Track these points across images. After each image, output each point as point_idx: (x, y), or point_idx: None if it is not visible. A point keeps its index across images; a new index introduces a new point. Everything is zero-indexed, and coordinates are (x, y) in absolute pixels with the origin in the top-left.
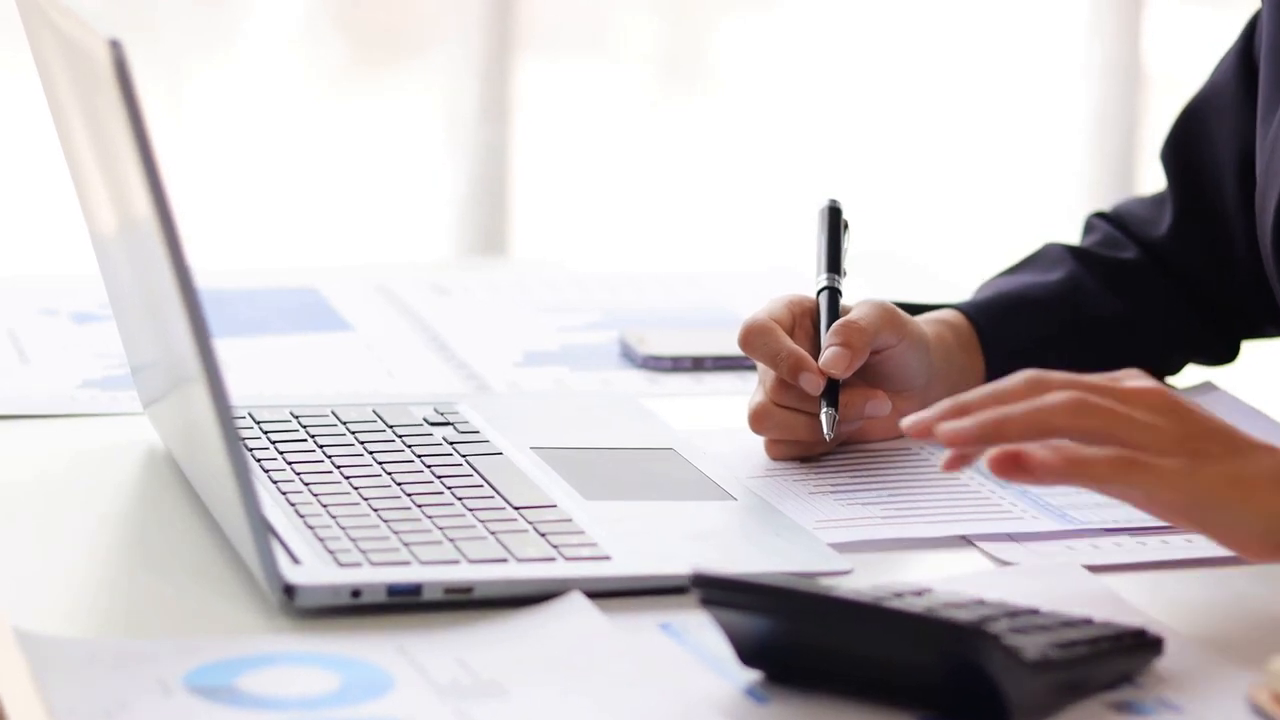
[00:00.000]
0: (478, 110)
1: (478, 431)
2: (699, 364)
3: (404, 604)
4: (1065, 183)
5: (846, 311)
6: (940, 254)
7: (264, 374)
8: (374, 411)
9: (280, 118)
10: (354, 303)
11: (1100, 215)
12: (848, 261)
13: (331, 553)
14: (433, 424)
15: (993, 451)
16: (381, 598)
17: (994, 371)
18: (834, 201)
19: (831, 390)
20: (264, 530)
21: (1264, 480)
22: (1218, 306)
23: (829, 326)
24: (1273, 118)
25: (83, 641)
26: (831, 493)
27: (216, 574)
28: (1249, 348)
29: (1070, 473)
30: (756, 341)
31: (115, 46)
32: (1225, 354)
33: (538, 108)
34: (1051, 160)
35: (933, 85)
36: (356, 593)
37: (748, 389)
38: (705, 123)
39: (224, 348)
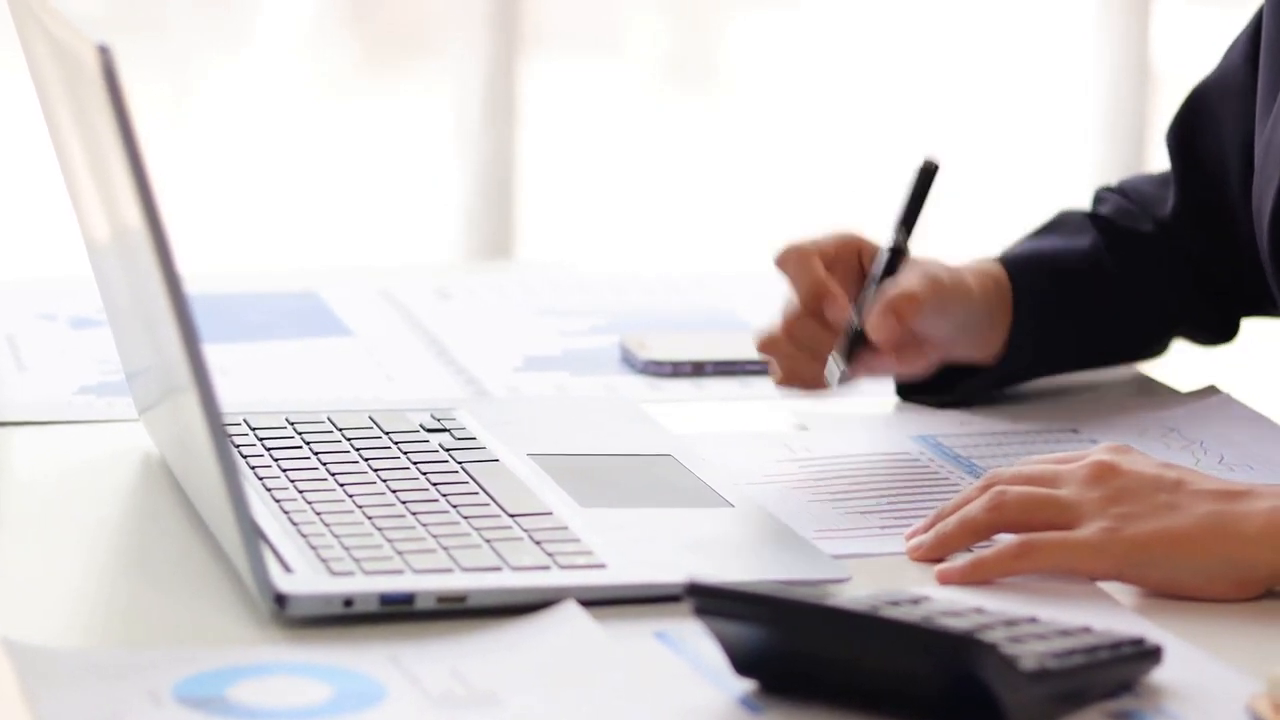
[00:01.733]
0: (484, 113)
1: (474, 438)
2: (699, 369)
3: (397, 613)
4: (1075, 182)
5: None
6: (950, 253)
7: (263, 379)
8: (371, 418)
9: (287, 120)
10: (355, 307)
11: (1109, 189)
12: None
13: (324, 561)
14: (429, 430)
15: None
16: (374, 607)
17: (1019, 330)
18: (931, 160)
19: (854, 340)
20: (255, 539)
21: (1197, 530)
22: (1219, 286)
23: (879, 281)
24: (1269, 112)
25: (72, 652)
26: (830, 500)
27: (209, 583)
28: (1250, 338)
29: (971, 576)
30: (791, 260)
31: (104, 52)
32: (1225, 333)
33: (544, 110)
34: (1061, 160)
35: (940, 86)
36: (349, 602)
37: (749, 394)
38: (713, 124)
39: (223, 352)
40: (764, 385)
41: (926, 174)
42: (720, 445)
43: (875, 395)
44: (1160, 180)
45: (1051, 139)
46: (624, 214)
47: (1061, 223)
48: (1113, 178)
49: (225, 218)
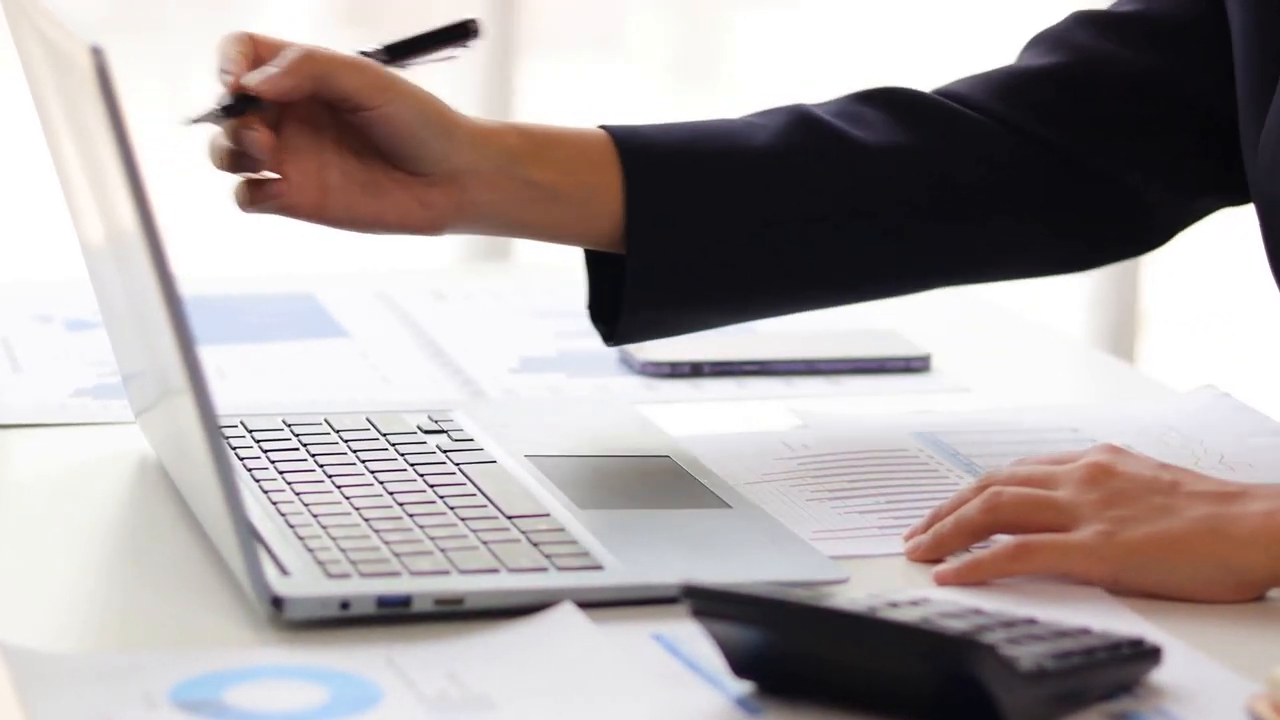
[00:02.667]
0: (482, 112)
1: (472, 440)
2: (697, 370)
3: (394, 615)
4: None
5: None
6: None
7: (259, 382)
8: (368, 420)
9: None
10: (351, 309)
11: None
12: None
13: (321, 564)
14: (427, 432)
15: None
16: (371, 609)
17: (635, 215)
18: (475, 24)
19: (236, 107)
20: (251, 542)
21: (1192, 534)
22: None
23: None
24: (1262, 112)
25: (67, 655)
26: (829, 500)
27: (206, 585)
28: (1250, 336)
29: (967, 577)
30: (227, 45)
31: (97, 53)
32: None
33: (541, 109)
34: None
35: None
36: (345, 604)
37: (746, 395)
38: None
39: (220, 355)
40: (762, 386)
41: (463, 31)
42: (718, 446)
43: (874, 395)
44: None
45: None
46: None
47: (769, 112)
48: None
49: (223, 220)
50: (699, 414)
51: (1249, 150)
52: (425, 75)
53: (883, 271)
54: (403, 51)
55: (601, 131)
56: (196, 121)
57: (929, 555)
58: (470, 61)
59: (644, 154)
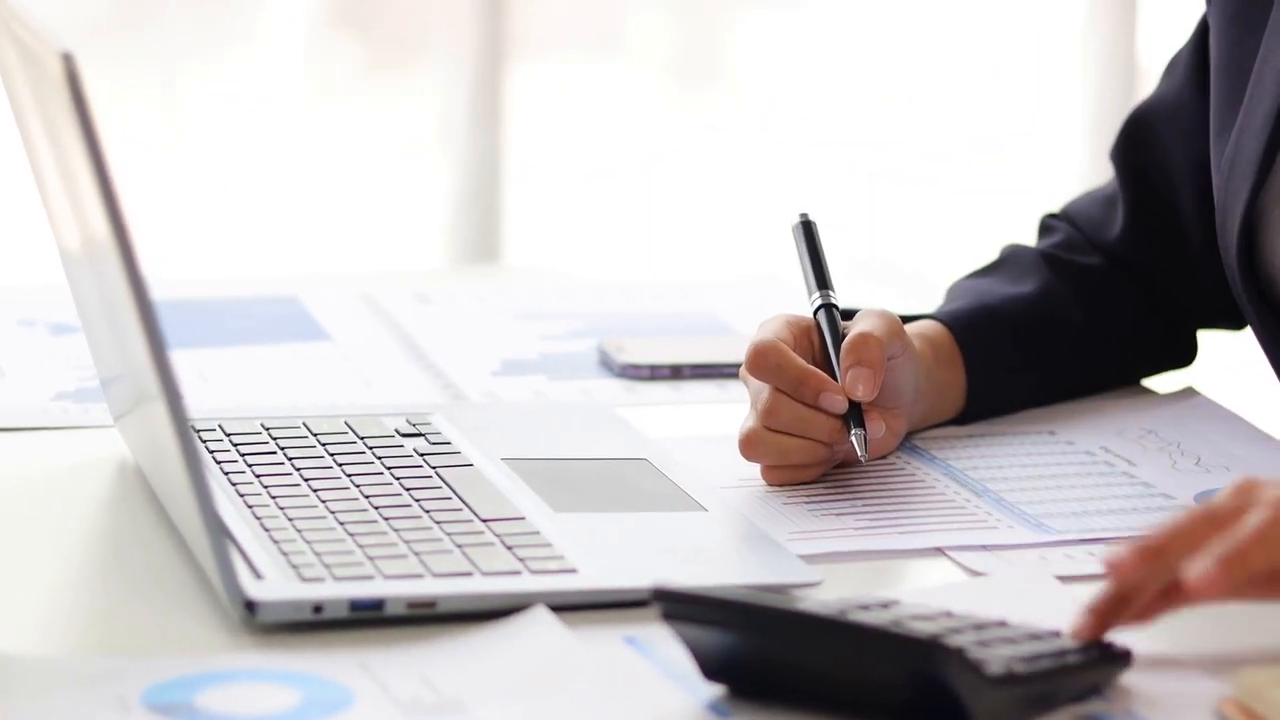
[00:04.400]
0: (471, 116)
1: (449, 443)
2: (677, 372)
3: (367, 619)
4: (1063, 177)
5: (847, 326)
6: (943, 253)
7: (240, 385)
8: (346, 423)
9: (274, 124)
10: (335, 312)
11: (1055, 216)
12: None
13: (295, 567)
14: (404, 435)
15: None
16: (344, 613)
17: (975, 388)
18: (805, 215)
19: (855, 410)
20: (224, 546)
21: None
22: (1173, 304)
23: (835, 344)
24: (1226, 135)
25: (41, 659)
26: (805, 503)
27: (181, 589)
28: (1220, 352)
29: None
30: (768, 364)
31: (67, 59)
32: (1185, 356)
33: (531, 113)
34: (1050, 156)
35: (936, 84)
36: (318, 608)
37: (726, 397)
38: (703, 126)
39: (202, 358)
40: (742, 388)
41: (808, 229)
42: (697, 448)
43: None
44: (1105, 200)
45: (1039, 135)
46: (612, 218)
47: (1007, 263)
48: (1102, 176)
49: (210, 222)
50: (679, 416)
51: (1215, 171)
52: (413, 79)
53: (1116, 374)
54: (821, 278)
55: (935, 323)
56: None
57: (1227, 574)
58: (462, 66)
59: (968, 329)
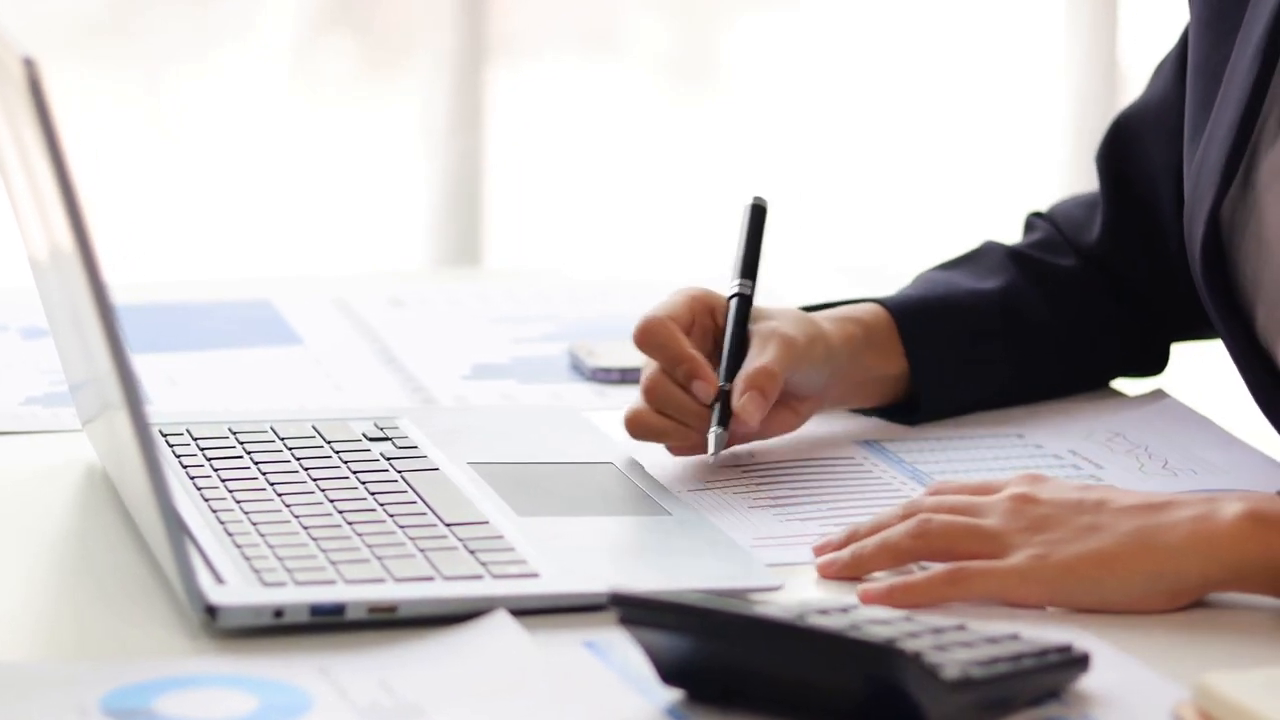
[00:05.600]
0: (453, 118)
1: (416, 447)
2: None
3: (328, 623)
4: (1045, 179)
5: (758, 317)
6: (931, 254)
7: (210, 389)
8: (313, 427)
9: (259, 126)
10: (308, 316)
11: (1039, 215)
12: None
13: (257, 572)
14: (371, 439)
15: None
16: (305, 617)
17: (919, 374)
18: (759, 199)
19: (724, 407)
20: (185, 551)
21: (1123, 548)
22: (1149, 311)
23: (734, 335)
24: (1199, 139)
25: (1, 664)
26: (772, 507)
27: (145, 594)
28: (1191, 354)
29: (898, 600)
30: (652, 341)
31: (29, 65)
32: (1155, 363)
33: (512, 115)
34: (1032, 156)
35: (929, 84)
36: (279, 613)
37: None
38: (692, 128)
39: (173, 362)
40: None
41: (758, 214)
42: (664, 452)
43: None
44: (1088, 203)
45: (1021, 136)
46: (607, 219)
47: (977, 257)
48: (1082, 177)
49: (190, 225)
50: None
51: (1186, 176)
52: (402, 83)
53: (1083, 376)
54: (750, 267)
55: (877, 307)
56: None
57: (845, 573)
58: (442, 68)
59: (912, 318)
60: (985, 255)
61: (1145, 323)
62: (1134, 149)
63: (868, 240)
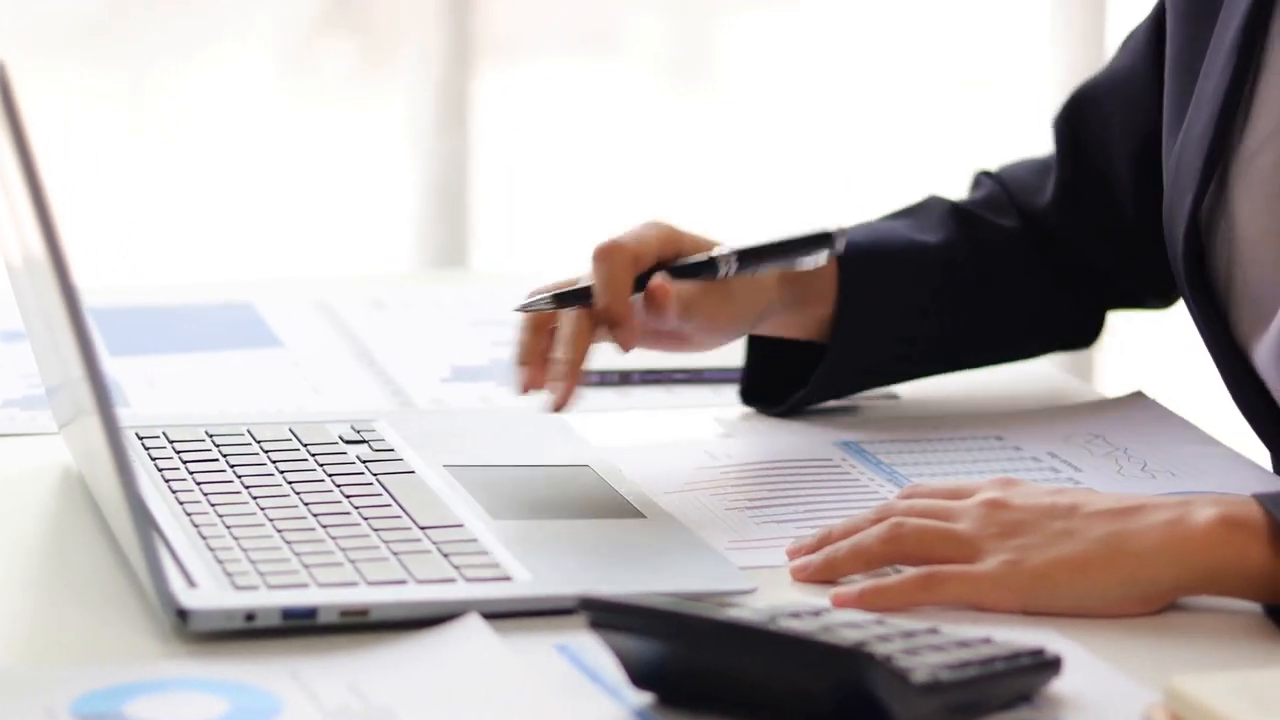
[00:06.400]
0: (439, 119)
1: (392, 450)
2: (626, 378)
3: (301, 627)
4: None
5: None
6: None
7: (189, 392)
8: (290, 430)
9: (245, 127)
10: (289, 318)
11: (986, 174)
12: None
13: (229, 575)
14: (348, 442)
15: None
16: (276, 621)
17: (845, 319)
18: (837, 233)
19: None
20: (156, 555)
21: (1096, 554)
22: (1090, 280)
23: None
24: (1177, 130)
25: None
26: (748, 509)
27: (118, 598)
28: (1167, 350)
29: (870, 603)
30: (608, 261)
31: None
32: (1088, 335)
33: (499, 116)
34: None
35: (913, 87)
36: (251, 616)
37: (676, 403)
38: (682, 128)
39: (152, 365)
40: (692, 394)
41: (818, 241)
42: (641, 455)
43: None
44: (1039, 167)
45: (1018, 136)
46: (596, 220)
47: (920, 210)
48: None
49: (177, 228)
50: (626, 422)
51: (1164, 171)
52: (388, 84)
53: (1018, 343)
54: (753, 259)
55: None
56: (528, 310)
57: (818, 577)
58: (429, 70)
59: (856, 259)
60: (929, 209)
61: (1082, 291)
62: (1094, 120)
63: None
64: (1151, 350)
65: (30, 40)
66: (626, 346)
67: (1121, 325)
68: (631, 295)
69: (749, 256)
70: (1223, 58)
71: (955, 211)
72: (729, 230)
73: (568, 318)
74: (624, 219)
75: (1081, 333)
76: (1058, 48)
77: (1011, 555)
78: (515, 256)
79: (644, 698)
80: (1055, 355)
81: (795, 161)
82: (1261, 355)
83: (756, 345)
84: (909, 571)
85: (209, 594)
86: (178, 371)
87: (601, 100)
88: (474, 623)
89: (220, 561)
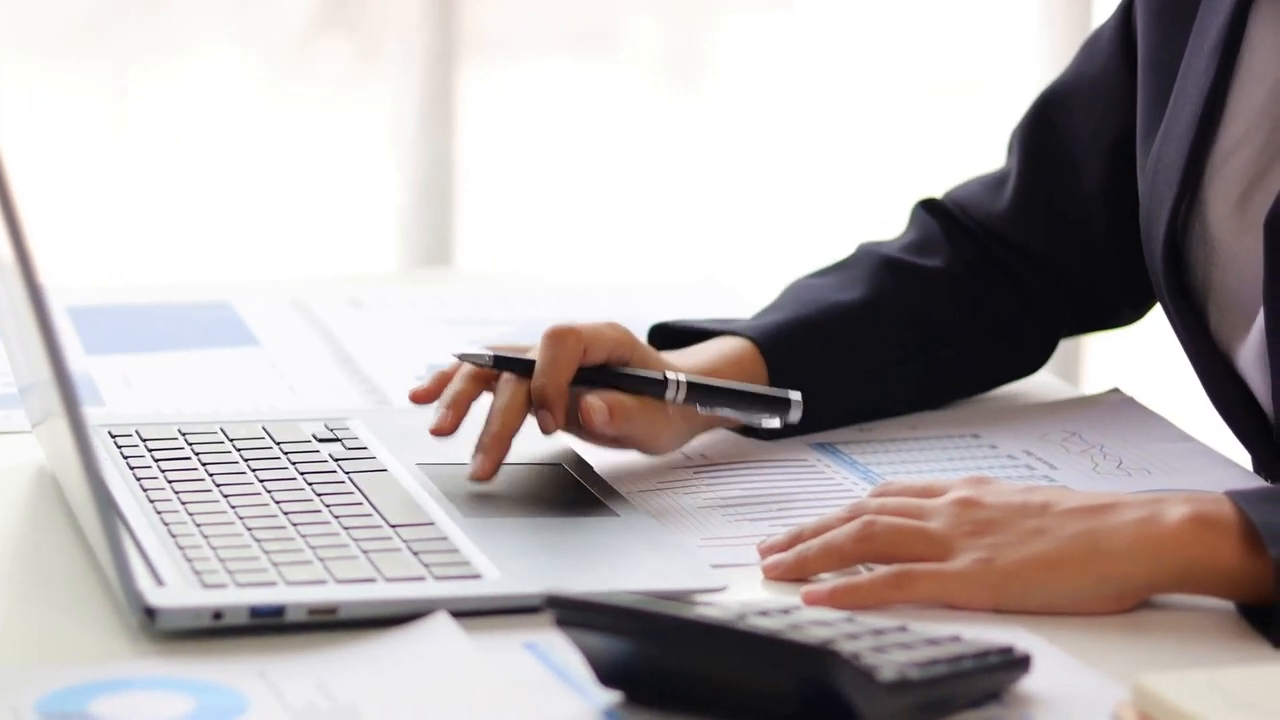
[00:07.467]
0: (425, 118)
1: (365, 448)
2: None
3: (269, 625)
4: None
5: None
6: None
7: (164, 391)
8: (263, 428)
9: (231, 126)
10: (266, 317)
11: (927, 203)
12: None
13: (198, 574)
14: (321, 440)
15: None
16: (244, 619)
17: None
18: (796, 399)
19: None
20: (124, 554)
21: (1068, 552)
22: (1050, 294)
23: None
24: (1153, 137)
25: None
26: (720, 508)
27: (88, 597)
28: (1144, 347)
29: (838, 602)
30: (558, 344)
31: None
32: (1035, 360)
33: (484, 115)
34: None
35: (908, 87)
36: (219, 614)
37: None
38: (670, 128)
39: (128, 364)
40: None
41: (774, 403)
42: (615, 454)
43: None
44: (994, 181)
45: (1003, 134)
46: (586, 221)
47: (849, 266)
48: None
49: (156, 226)
50: None
51: (1140, 172)
52: (378, 77)
53: (958, 385)
54: (706, 396)
55: (742, 340)
56: (467, 358)
57: (789, 575)
58: (417, 68)
59: (776, 341)
60: (857, 264)
61: (1037, 310)
62: (1063, 124)
63: (859, 240)
64: (1135, 348)
65: (15, 39)
66: (547, 431)
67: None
68: (569, 384)
69: (700, 391)
70: (1204, 59)
71: (885, 263)
72: (729, 231)
73: (506, 388)
74: (611, 218)
75: (1029, 359)
76: (1049, 48)
77: (983, 554)
78: (501, 257)
79: (611, 696)
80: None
81: (787, 162)
82: (1245, 357)
83: None
84: (880, 570)
85: (177, 592)
86: (154, 370)
87: (589, 100)
88: (442, 621)
89: (189, 560)
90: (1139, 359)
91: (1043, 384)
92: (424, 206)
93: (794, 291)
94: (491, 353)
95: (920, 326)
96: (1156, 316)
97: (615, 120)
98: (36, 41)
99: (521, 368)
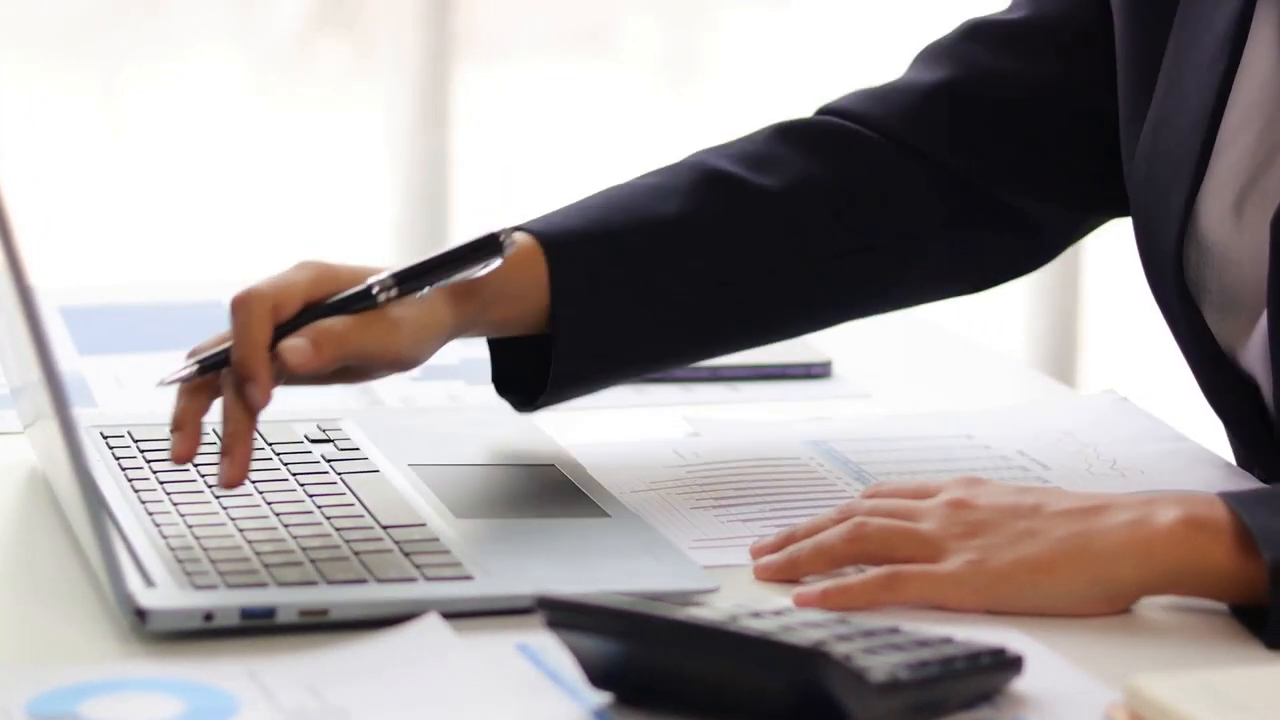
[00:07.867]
0: (420, 117)
1: (358, 449)
2: None
3: (260, 627)
4: None
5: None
6: None
7: (156, 391)
8: (256, 429)
9: (226, 126)
10: None
11: (814, 119)
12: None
13: (189, 575)
14: (314, 441)
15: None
16: (235, 621)
17: (562, 308)
18: (500, 236)
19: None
20: (114, 555)
21: (1059, 554)
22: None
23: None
24: (1138, 126)
25: None
26: (714, 508)
27: (79, 598)
28: (1141, 351)
29: (829, 604)
30: (244, 311)
31: None
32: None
33: (479, 115)
34: None
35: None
36: (209, 616)
37: (645, 402)
38: (662, 127)
39: (120, 364)
40: (661, 392)
41: (484, 247)
42: (607, 454)
43: (773, 401)
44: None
45: None
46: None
47: (675, 170)
48: None
49: (151, 226)
50: (594, 421)
51: (1127, 160)
52: (374, 76)
53: (799, 314)
54: (417, 278)
55: (525, 235)
56: (171, 383)
57: (780, 576)
58: (413, 69)
59: (565, 245)
60: (680, 170)
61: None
62: (1005, 56)
63: None
64: (1131, 349)
65: (11, 38)
66: (257, 405)
67: (1110, 323)
68: (271, 346)
69: (408, 277)
70: (1207, 54)
71: (711, 180)
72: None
73: (227, 385)
74: None
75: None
76: None
77: (975, 555)
78: None
79: (603, 697)
80: (1043, 355)
81: None
82: (1249, 354)
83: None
84: (872, 571)
85: (167, 594)
86: (147, 371)
87: (586, 99)
88: (433, 622)
89: (180, 561)
90: (1134, 360)
91: (1037, 384)
92: (420, 206)
93: (607, 195)
94: (194, 361)
95: (724, 262)
96: (1153, 317)
97: (612, 119)
98: (33, 40)
99: (225, 361)
